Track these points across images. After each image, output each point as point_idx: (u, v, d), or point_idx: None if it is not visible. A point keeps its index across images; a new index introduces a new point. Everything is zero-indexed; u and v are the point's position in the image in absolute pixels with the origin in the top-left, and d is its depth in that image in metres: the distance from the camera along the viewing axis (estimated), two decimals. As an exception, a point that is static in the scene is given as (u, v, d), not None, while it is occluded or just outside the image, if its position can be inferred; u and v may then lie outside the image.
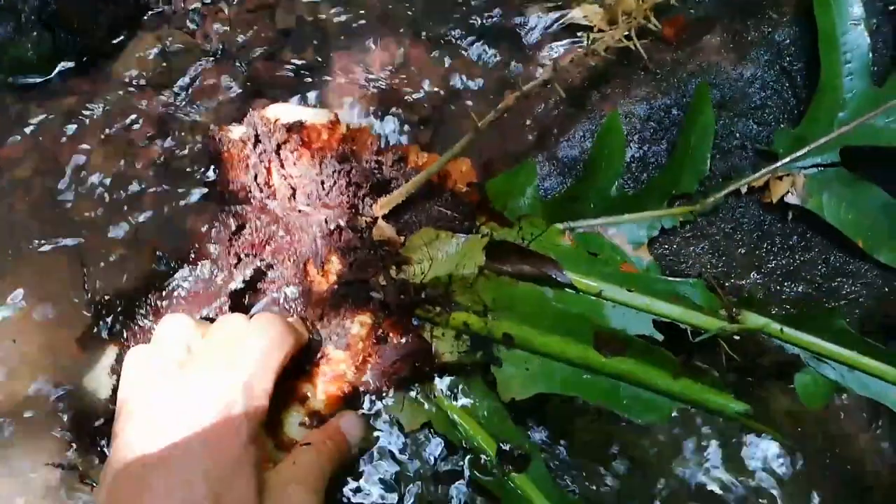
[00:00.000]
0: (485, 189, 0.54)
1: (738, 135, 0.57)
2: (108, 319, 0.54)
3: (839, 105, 0.53)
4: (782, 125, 0.57)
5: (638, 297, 0.49)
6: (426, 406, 0.50)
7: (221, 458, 0.38)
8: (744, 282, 0.57)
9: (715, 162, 0.56)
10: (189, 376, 0.41)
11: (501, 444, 0.49)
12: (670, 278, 0.51)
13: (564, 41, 0.68)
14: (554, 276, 0.48)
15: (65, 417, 0.52)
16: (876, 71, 0.54)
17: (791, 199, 0.54)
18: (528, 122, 0.62)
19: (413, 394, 0.50)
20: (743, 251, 0.57)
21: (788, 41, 0.58)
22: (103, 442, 0.49)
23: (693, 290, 0.50)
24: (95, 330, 0.54)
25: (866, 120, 0.53)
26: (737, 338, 0.49)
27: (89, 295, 0.56)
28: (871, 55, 0.53)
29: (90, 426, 0.50)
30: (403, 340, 0.49)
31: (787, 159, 0.54)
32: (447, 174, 0.55)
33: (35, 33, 0.60)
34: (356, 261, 0.49)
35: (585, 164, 0.57)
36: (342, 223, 0.49)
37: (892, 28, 0.56)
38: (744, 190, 0.55)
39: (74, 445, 0.51)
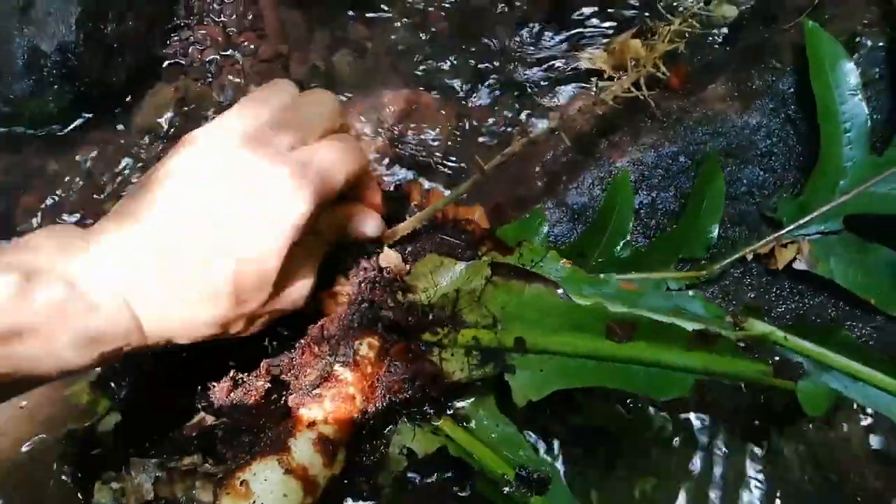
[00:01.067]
0: (496, 235, 0.55)
1: (745, 181, 0.58)
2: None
3: (840, 173, 0.54)
4: (788, 173, 0.58)
5: (640, 313, 0.49)
6: (438, 433, 0.50)
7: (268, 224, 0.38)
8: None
9: (724, 208, 0.57)
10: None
11: (519, 469, 0.49)
12: (670, 292, 0.52)
13: (571, 86, 0.70)
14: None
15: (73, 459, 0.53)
16: (874, 129, 0.55)
17: (799, 265, 0.55)
18: (537, 169, 0.63)
19: (423, 420, 0.50)
20: (752, 296, 0.57)
21: (792, 90, 0.59)
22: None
23: (694, 302, 0.51)
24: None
25: (867, 188, 0.53)
26: (742, 344, 0.49)
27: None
28: (869, 124, 0.54)
29: (95, 465, 0.49)
30: (412, 364, 0.49)
31: (792, 227, 0.55)
32: (455, 213, 0.56)
33: (56, 86, 0.62)
34: (365, 281, 0.49)
35: (593, 220, 0.58)
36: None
37: (889, 86, 0.57)
38: (749, 257, 0.56)
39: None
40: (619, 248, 0.56)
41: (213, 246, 0.37)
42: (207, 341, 0.41)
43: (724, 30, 0.68)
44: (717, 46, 0.66)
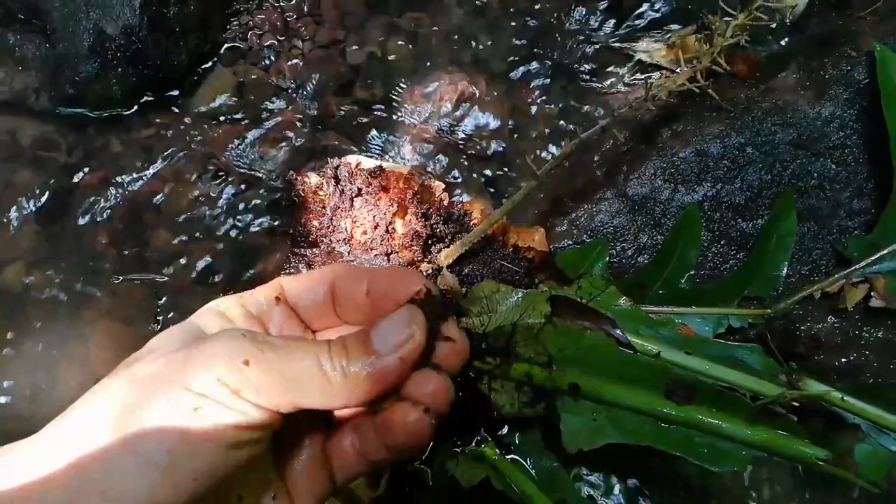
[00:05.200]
0: (555, 260, 0.55)
1: (815, 175, 0.56)
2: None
3: None
4: (861, 167, 0.56)
5: (697, 360, 0.48)
6: (482, 462, 0.49)
7: None
8: (820, 325, 0.56)
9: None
10: None
11: None
12: (729, 342, 0.51)
13: (627, 78, 0.68)
14: (612, 334, 0.48)
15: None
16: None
17: (876, 303, 0.53)
18: (596, 158, 0.62)
19: (468, 448, 0.50)
20: (817, 333, 0.56)
21: (868, 80, 0.56)
22: None
23: (751, 356, 0.50)
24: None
25: None
26: (796, 405, 0.48)
27: (161, 322, 0.58)
28: None
29: None
30: (461, 393, 0.48)
31: (861, 265, 0.53)
32: (516, 239, 0.55)
33: (120, 69, 0.63)
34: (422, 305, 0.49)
35: (658, 251, 0.57)
36: (414, 266, 0.50)
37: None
38: (817, 296, 0.54)
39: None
40: (683, 281, 0.55)
41: None
42: None
43: (792, 17, 0.65)
44: (786, 35, 0.64)
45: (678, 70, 0.58)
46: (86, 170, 0.64)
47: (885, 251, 0.53)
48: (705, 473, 0.50)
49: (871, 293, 0.53)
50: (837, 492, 0.53)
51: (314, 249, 0.53)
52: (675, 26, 0.68)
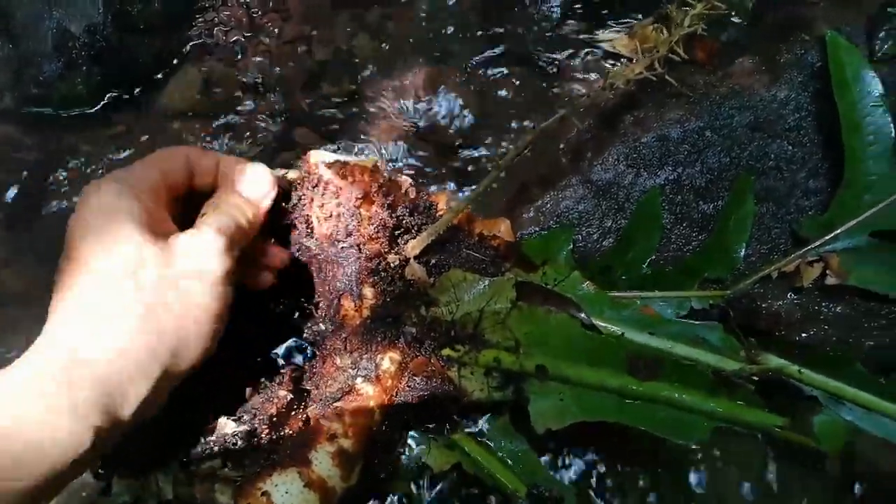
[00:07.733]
0: (521, 247, 0.56)
1: (772, 156, 0.57)
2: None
3: (865, 188, 0.53)
4: (817, 148, 0.57)
5: (659, 340, 0.50)
6: (453, 448, 0.50)
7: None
8: (781, 302, 0.57)
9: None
10: None
11: (532, 488, 0.49)
12: (690, 321, 0.52)
13: (592, 67, 0.69)
14: (576, 317, 0.49)
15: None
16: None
17: (831, 280, 0.55)
18: (561, 146, 0.63)
19: (440, 435, 0.50)
20: (777, 310, 0.57)
21: (821, 63, 0.58)
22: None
23: (712, 333, 0.51)
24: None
25: (893, 202, 0.53)
26: (756, 378, 0.50)
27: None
28: (893, 135, 0.53)
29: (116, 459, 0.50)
30: (431, 380, 0.49)
31: (817, 243, 0.55)
32: (481, 229, 0.56)
33: (84, 68, 0.63)
34: (390, 294, 0.49)
35: (620, 237, 0.58)
36: (381, 257, 0.50)
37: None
38: (774, 276, 0.55)
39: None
40: (644, 265, 0.56)
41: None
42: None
43: (751, 4, 0.67)
44: (744, 21, 0.65)
45: (636, 59, 0.59)
46: (52, 169, 0.64)
47: (839, 230, 0.54)
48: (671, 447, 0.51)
49: (827, 271, 0.55)
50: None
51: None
52: (637, 16, 0.70)
